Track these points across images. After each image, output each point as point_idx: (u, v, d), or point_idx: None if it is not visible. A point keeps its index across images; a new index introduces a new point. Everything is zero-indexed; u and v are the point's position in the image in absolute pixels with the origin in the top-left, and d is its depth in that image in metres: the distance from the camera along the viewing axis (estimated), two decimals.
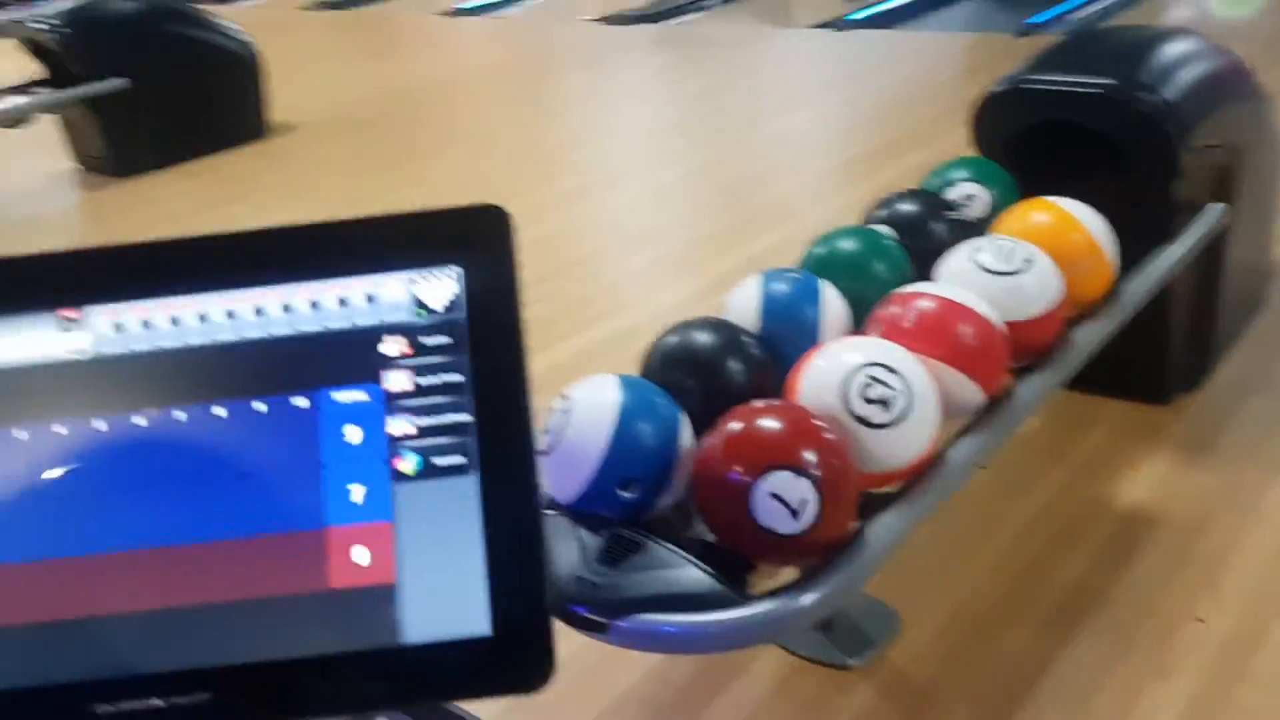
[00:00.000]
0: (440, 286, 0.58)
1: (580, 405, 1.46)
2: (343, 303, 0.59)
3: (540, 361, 1.91)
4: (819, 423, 1.40)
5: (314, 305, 0.59)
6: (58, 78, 4.80)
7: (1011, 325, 1.64)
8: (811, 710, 1.67)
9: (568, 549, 1.42)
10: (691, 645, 1.37)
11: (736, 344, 1.62)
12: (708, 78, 5.70)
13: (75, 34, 4.73)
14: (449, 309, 0.58)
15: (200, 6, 5.44)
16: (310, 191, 4.59)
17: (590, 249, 3.66)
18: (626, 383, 1.49)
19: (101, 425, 0.58)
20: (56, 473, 0.57)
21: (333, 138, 5.36)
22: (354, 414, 0.58)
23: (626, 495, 1.44)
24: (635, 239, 3.66)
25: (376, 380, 0.58)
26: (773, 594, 1.33)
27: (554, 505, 1.49)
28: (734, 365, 1.59)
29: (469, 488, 0.57)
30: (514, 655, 0.56)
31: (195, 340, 0.59)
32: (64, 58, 4.71)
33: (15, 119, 4.73)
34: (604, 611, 1.33)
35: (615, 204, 4.03)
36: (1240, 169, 2.31)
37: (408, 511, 0.57)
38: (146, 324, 0.59)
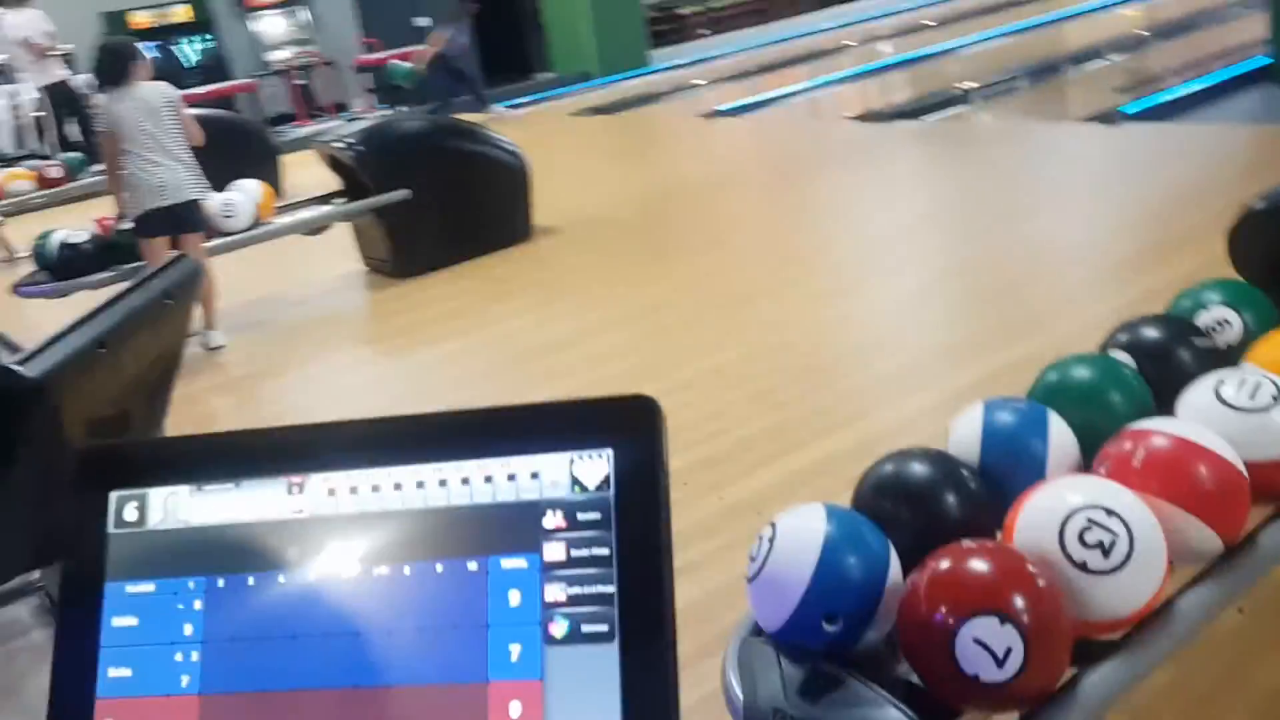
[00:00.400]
0: (594, 467, 0.65)
1: (786, 534, 1.49)
2: (511, 478, 0.66)
3: (774, 470, 1.93)
4: (1031, 567, 1.36)
5: (488, 479, 0.66)
6: (351, 189, 5.37)
7: (1255, 465, 1.53)
8: None
9: (768, 678, 1.44)
10: None
11: (953, 477, 1.59)
12: (967, 175, 5.60)
13: (368, 150, 5.28)
14: (600, 487, 0.64)
15: (483, 117, 5.94)
16: (568, 292, 4.87)
17: (834, 355, 3.67)
18: (834, 514, 1.50)
19: (311, 577, 0.68)
20: (272, 615, 0.67)
21: (591, 239, 5.67)
22: (516, 580, 0.65)
23: (830, 629, 1.44)
24: (878, 345, 3.64)
25: (537, 550, 0.64)
26: None
27: (758, 631, 1.52)
28: (949, 500, 1.57)
29: (610, 654, 0.62)
30: None
31: (391, 506, 0.68)
32: (357, 171, 5.26)
33: (316, 227, 5.32)
34: None
35: (863, 307, 4.04)
36: None
37: (556, 672, 0.63)
38: (354, 490, 0.69)
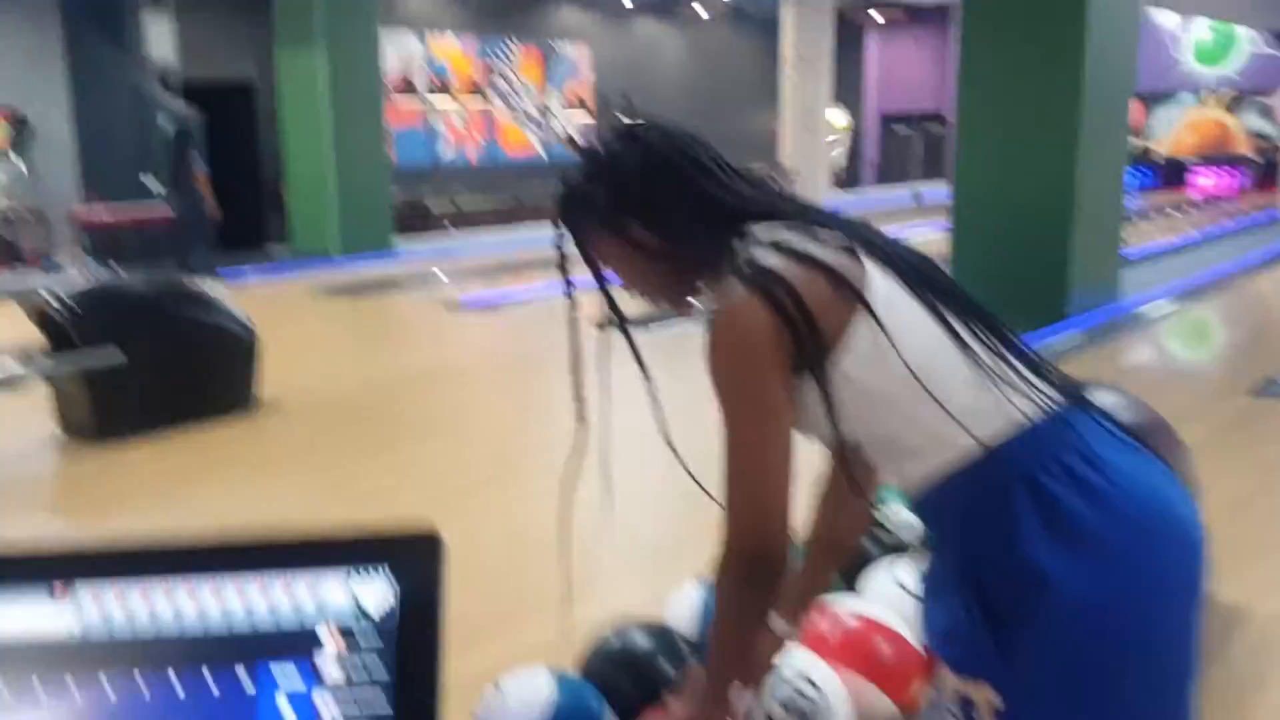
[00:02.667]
0: (378, 591, 0.72)
1: (512, 695, 1.55)
2: (290, 597, 0.72)
3: (498, 646, 1.93)
4: None
5: (266, 599, 0.72)
6: (57, 347, 5.02)
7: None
8: None
9: None
10: None
11: (671, 647, 1.72)
12: (693, 385, 5.99)
13: (83, 307, 4.99)
14: (384, 618, 0.71)
15: (215, 286, 5.80)
16: (286, 470, 4.71)
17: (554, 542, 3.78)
18: (559, 678, 1.59)
19: (76, 693, 0.69)
20: None
21: (317, 418, 5.56)
22: (291, 698, 0.70)
23: None
24: (596, 535, 3.78)
25: (313, 672, 0.70)
26: None
27: None
28: (667, 668, 1.69)
29: None
30: None
31: (165, 624, 0.71)
32: (68, 331, 4.95)
33: (7, 380, 4.92)
34: None
35: (585, 501, 4.19)
36: None
37: None
38: (125, 604, 0.71)
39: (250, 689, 0.69)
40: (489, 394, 6.38)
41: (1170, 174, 19.72)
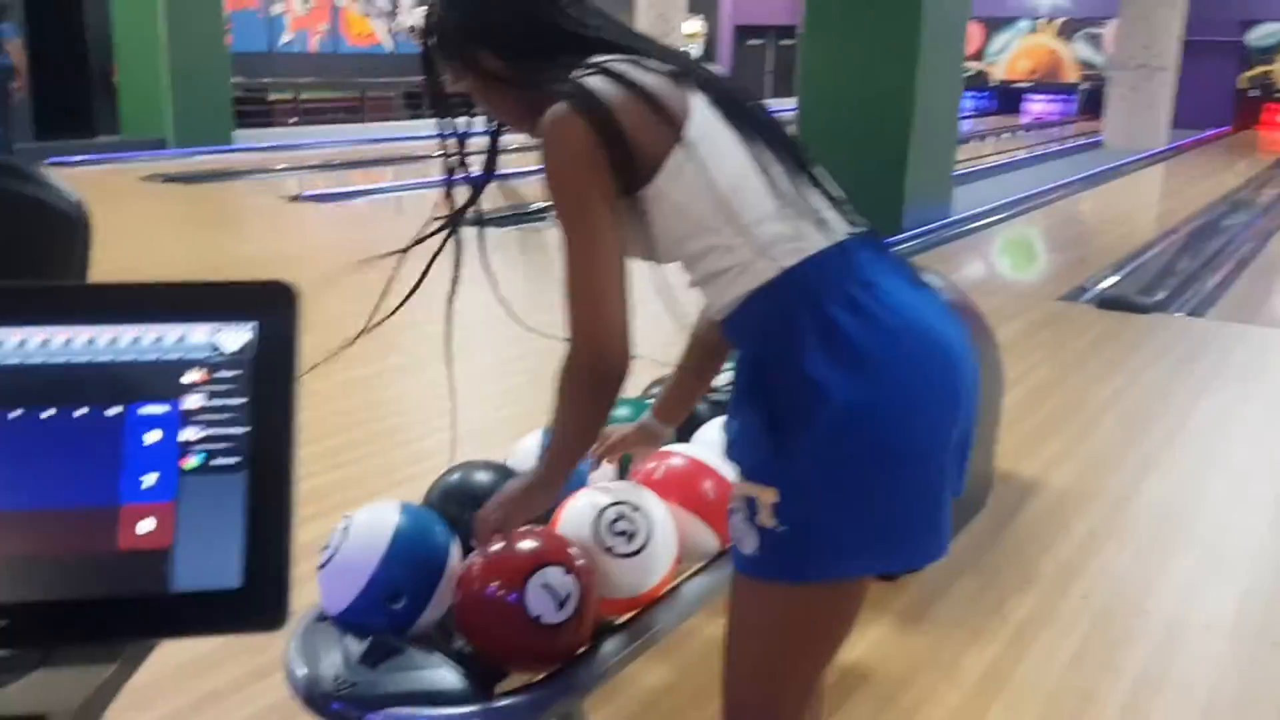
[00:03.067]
0: (237, 334, 0.79)
1: (359, 523, 1.63)
2: (157, 339, 0.78)
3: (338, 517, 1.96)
4: (573, 550, 1.61)
5: (135, 340, 0.78)
6: None
7: None
8: None
9: (331, 655, 1.56)
10: None
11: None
12: (535, 276, 6.08)
13: None
14: (239, 352, 0.79)
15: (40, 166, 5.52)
16: None
17: (402, 421, 3.85)
18: (406, 508, 1.67)
19: None
20: None
21: None
22: (155, 422, 0.77)
23: (394, 607, 1.59)
24: (442, 413, 3.85)
25: (176, 398, 0.77)
26: (513, 692, 1.50)
27: (324, 617, 1.63)
28: None
29: (239, 481, 0.76)
30: (257, 604, 0.74)
31: (36, 360, 0.77)
32: None
33: None
34: (360, 706, 1.46)
35: (430, 381, 4.26)
36: None
37: (188, 495, 0.75)
38: (21, 344, 0.77)
39: (120, 417, 0.75)
40: (335, 282, 6.30)
41: (1005, 98, 20.57)
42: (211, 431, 0.76)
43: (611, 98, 1.24)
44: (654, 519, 1.71)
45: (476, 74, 1.37)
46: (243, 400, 0.77)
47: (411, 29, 16.71)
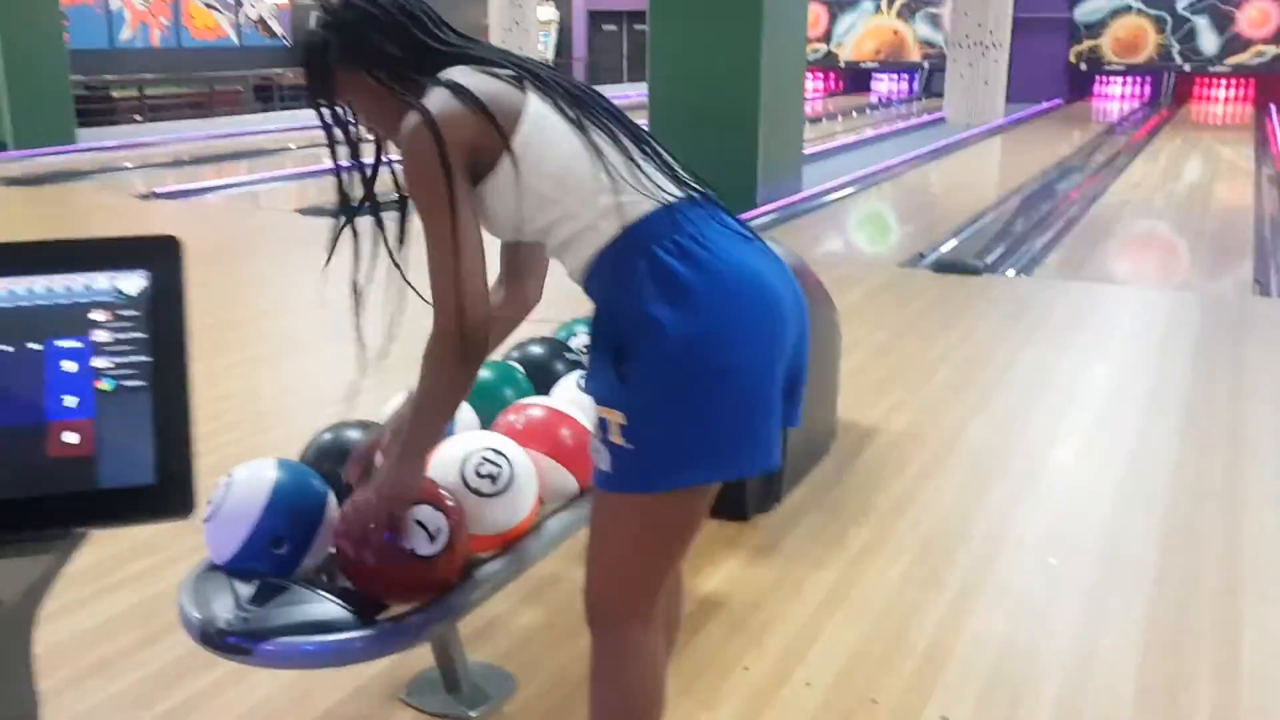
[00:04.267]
0: (133, 279, 0.95)
1: (240, 479, 1.77)
2: (67, 287, 0.93)
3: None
4: (442, 491, 1.78)
5: (49, 289, 0.93)
6: None
7: None
8: None
9: (224, 597, 1.70)
10: (324, 660, 1.67)
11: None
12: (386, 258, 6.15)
13: None
14: (138, 295, 0.94)
15: None
16: None
17: (265, 408, 3.93)
18: (283, 463, 1.82)
19: None
20: None
21: None
22: (71, 354, 0.92)
23: (278, 551, 1.74)
24: (313, 401, 3.95)
25: (87, 334, 0.92)
26: (391, 619, 1.67)
27: (213, 567, 1.77)
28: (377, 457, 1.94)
29: (145, 398, 0.92)
30: (168, 497, 0.90)
31: None
32: None
33: None
34: (251, 639, 1.61)
35: (294, 370, 4.33)
36: None
37: (105, 412, 0.91)
38: None
39: (41, 351, 0.90)
40: (193, 276, 6.24)
41: (853, 78, 21.30)
42: (120, 360, 0.92)
43: (453, 110, 1.45)
44: (515, 463, 1.89)
45: (354, 87, 1.56)
46: (143, 335, 0.92)
47: (259, 21, 16.38)
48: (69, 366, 0.91)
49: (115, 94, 14.13)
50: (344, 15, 1.55)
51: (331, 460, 1.93)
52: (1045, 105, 18.23)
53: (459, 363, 1.50)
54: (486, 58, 1.56)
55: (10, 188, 9.08)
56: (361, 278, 1.62)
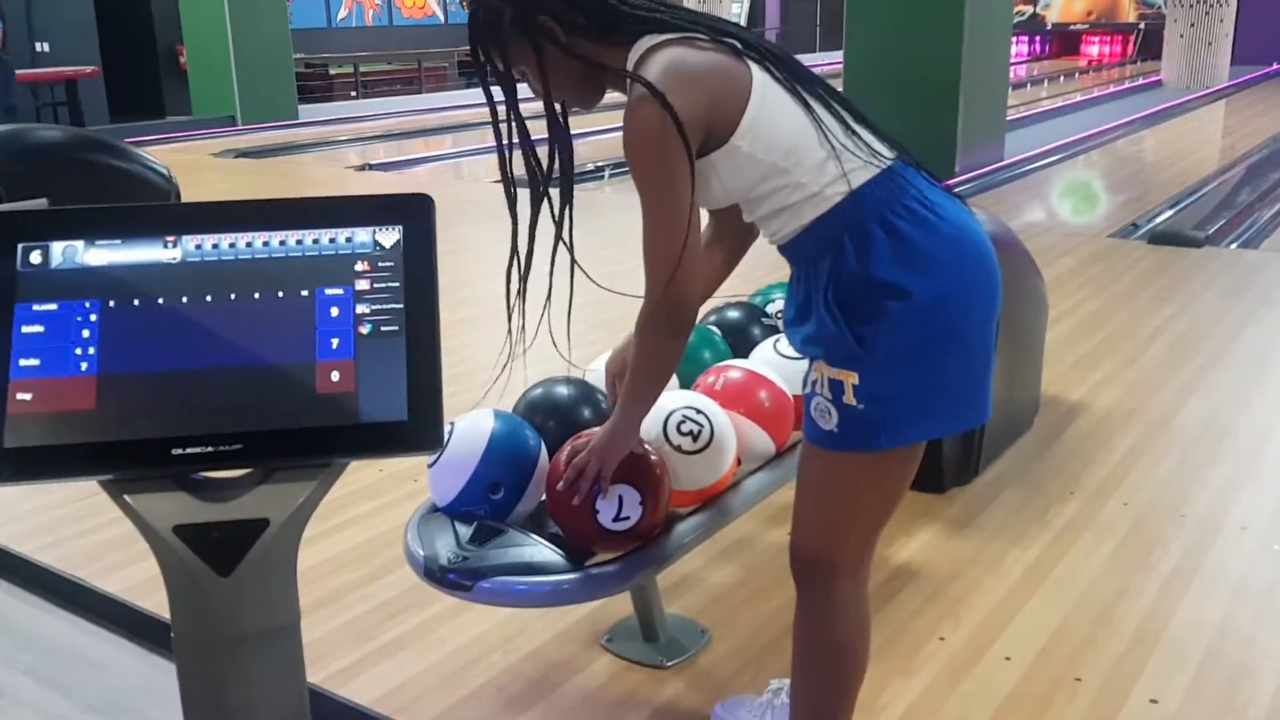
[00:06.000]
0: (390, 233, 1.03)
1: (460, 429, 1.88)
2: (331, 240, 1.03)
3: None
4: (647, 447, 1.84)
5: (315, 240, 1.03)
6: None
7: (799, 397, 2.12)
8: (634, 695, 2.05)
9: (445, 537, 1.82)
10: (536, 600, 1.76)
11: (589, 397, 2.06)
12: (591, 236, 6.31)
13: (1, 156, 5.04)
14: (393, 247, 1.03)
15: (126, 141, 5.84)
16: None
17: (483, 363, 4.11)
18: (499, 414, 1.92)
19: (184, 300, 1.00)
20: (153, 322, 0.98)
21: None
22: (336, 301, 1.01)
23: (494, 497, 1.84)
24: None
25: (350, 283, 1.02)
26: (599, 564, 1.75)
27: (435, 509, 1.89)
28: (584, 412, 2.03)
29: (400, 342, 1.00)
30: (419, 432, 0.98)
31: (243, 256, 1.02)
32: None
33: None
34: (470, 576, 1.72)
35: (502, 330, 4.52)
36: None
37: (364, 354, 1.00)
38: (215, 245, 1.02)
39: (309, 298, 1.00)
40: None
41: (1061, 41, 20.25)
42: (377, 307, 1.00)
43: (683, 85, 1.43)
44: (716, 422, 1.94)
45: (532, 53, 1.52)
46: (398, 284, 1.01)
47: None
48: (334, 311, 1.00)
49: (333, 71, 14.94)
50: None
51: (542, 414, 2.02)
52: (1275, 67, 16.86)
53: (671, 333, 1.55)
54: (679, 23, 1.52)
55: (239, 160, 9.76)
56: (522, 258, 1.60)
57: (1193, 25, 14.75)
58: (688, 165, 1.46)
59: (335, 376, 0.98)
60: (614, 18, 1.52)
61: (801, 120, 1.49)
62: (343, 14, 15.53)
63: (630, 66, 1.50)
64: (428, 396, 0.98)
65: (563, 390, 2.05)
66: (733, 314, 2.48)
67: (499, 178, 1.58)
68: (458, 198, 7.91)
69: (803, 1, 23.11)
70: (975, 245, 1.52)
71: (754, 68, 1.50)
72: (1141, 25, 19.47)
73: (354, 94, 14.79)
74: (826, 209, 1.49)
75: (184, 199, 5.75)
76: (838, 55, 7.99)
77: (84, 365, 0.97)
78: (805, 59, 1.60)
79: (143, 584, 2.41)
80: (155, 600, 2.34)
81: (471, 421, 1.90)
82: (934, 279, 1.45)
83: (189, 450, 0.95)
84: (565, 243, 1.61)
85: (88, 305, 0.99)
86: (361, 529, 2.70)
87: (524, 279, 1.63)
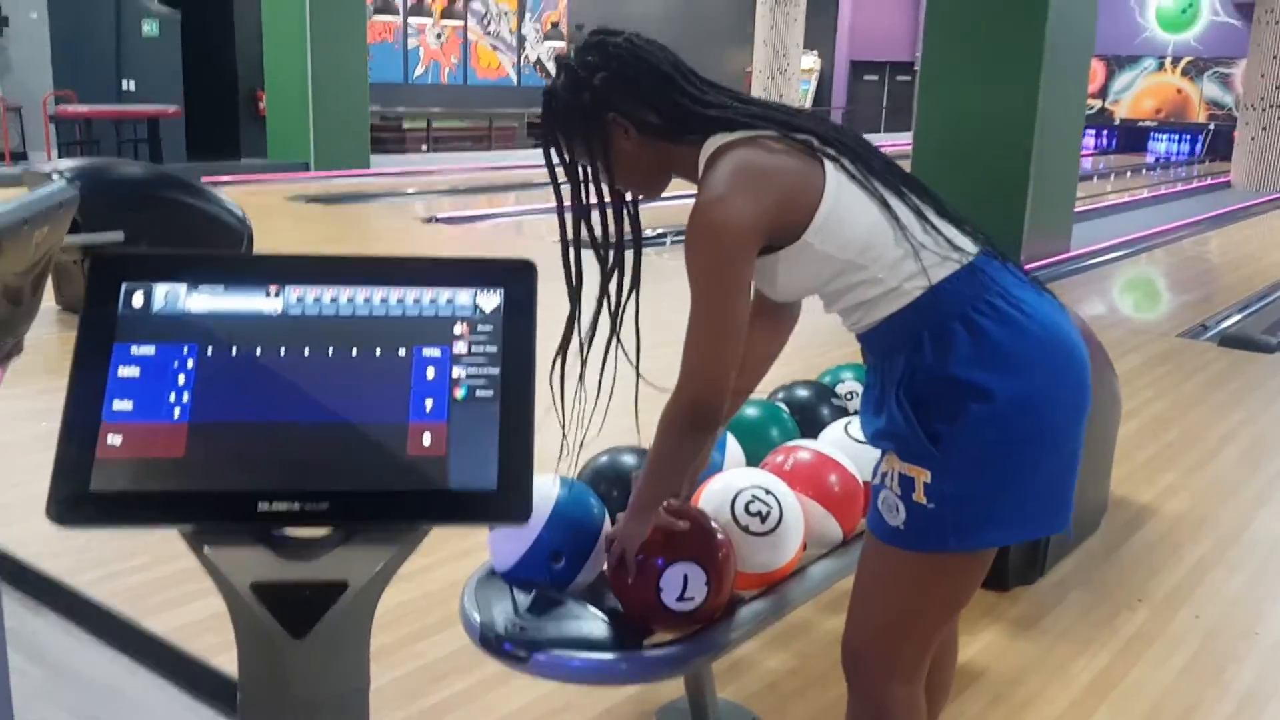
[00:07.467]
0: (491, 297, 1.01)
1: None
2: (433, 300, 1.01)
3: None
4: (714, 524, 1.80)
5: (416, 300, 1.01)
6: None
7: (869, 484, 2.07)
8: None
9: (503, 604, 1.78)
10: (589, 678, 1.71)
11: None
12: (651, 300, 6.31)
13: (84, 188, 5.17)
14: (493, 312, 1.01)
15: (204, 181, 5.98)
16: None
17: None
18: (565, 481, 1.89)
19: (282, 352, 0.99)
20: (248, 374, 0.97)
21: None
22: (433, 362, 0.99)
23: (555, 566, 1.81)
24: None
25: (449, 344, 1.00)
26: (657, 645, 1.70)
27: (494, 573, 1.86)
28: None
29: (494, 408, 0.98)
30: (508, 502, 0.96)
31: (344, 312, 1.01)
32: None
33: None
34: (526, 647, 1.68)
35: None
36: None
37: (457, 418, 0.98)
38: (317, 299, 1.01)
39: (408, 356, 0.98)
40: None
41: (1128, 137, 20.19)
42: (473, 370, 0.98)
43: (753, 190, 1.41)
44: (785, 504, 1.89)
45: (604, 142, 1.52)
46: (496, 348, 0.99)
47: (538, 64, 17.30)
48: (430, 372, 0.98)
49: (407, 125, 15.26)
50: (596, 69, 1.51)
51: (607, 482, 1.99)
52: None
53: (692, 430, 1.51)
54: (749, 121, 1.49)
55: (310, 205, 9.95)
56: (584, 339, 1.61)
57: (1264, 129, 14.64)
58: (746, 271, 1.44)
59: (427, 440, 0.96)
60: (686, 117, 1.51)
61: (877, 217, 1.45)
62: (419, 70, 15.90)
63: (700, 166, 1.49)
64: (519, 465, 0.95)
65: (628, 459, 2.02)
66: (802, 392, 2.44)
67: (558, 237, 1.58)
68: (519, 254, 8.00)
69: (870, 82, 23.31)
70: (1064, 344, 1.46)
71: (828, 165, 1.47)
72: (1211, 125, 19.37)
73: (424, 147, 15.08)
74: (904, 304, 1.45)
75: (260, 240, 5.84)
76: (903, 136, 7.99)
77: (176, 412, 0.96)
78: (870, 140, 1.57)
79: (188, 626, 2.39)
80: (201, 644, 2.32)
81: (536, 487, 1.86)
82: (1017, 379, 1.40)
83: (275, 506, 0.93)
84: (620, 341, 1.63)
85: (185, 350, 0.98)
86: (415, 585, 2.66)
87: (584, 361, 1.62)
